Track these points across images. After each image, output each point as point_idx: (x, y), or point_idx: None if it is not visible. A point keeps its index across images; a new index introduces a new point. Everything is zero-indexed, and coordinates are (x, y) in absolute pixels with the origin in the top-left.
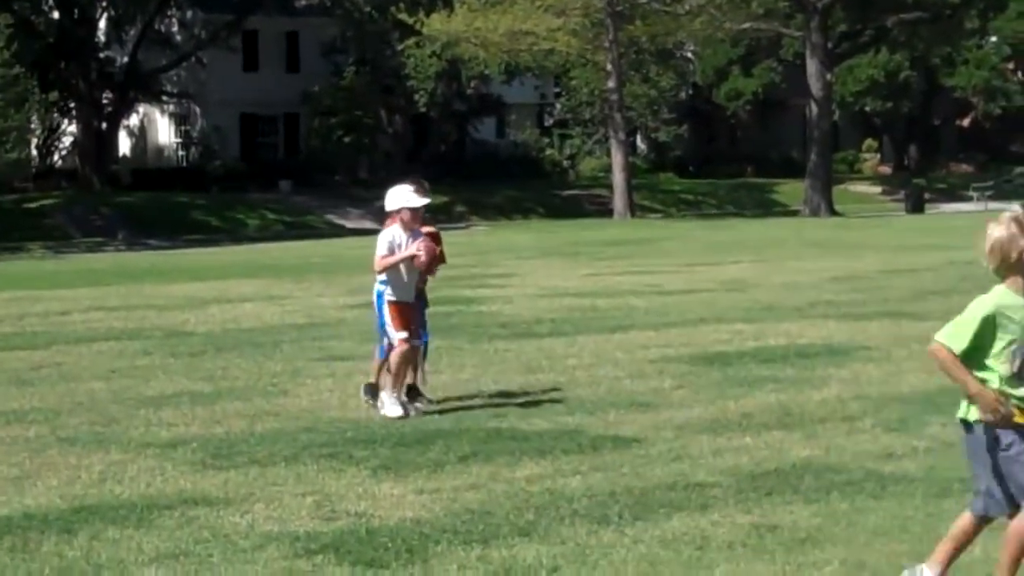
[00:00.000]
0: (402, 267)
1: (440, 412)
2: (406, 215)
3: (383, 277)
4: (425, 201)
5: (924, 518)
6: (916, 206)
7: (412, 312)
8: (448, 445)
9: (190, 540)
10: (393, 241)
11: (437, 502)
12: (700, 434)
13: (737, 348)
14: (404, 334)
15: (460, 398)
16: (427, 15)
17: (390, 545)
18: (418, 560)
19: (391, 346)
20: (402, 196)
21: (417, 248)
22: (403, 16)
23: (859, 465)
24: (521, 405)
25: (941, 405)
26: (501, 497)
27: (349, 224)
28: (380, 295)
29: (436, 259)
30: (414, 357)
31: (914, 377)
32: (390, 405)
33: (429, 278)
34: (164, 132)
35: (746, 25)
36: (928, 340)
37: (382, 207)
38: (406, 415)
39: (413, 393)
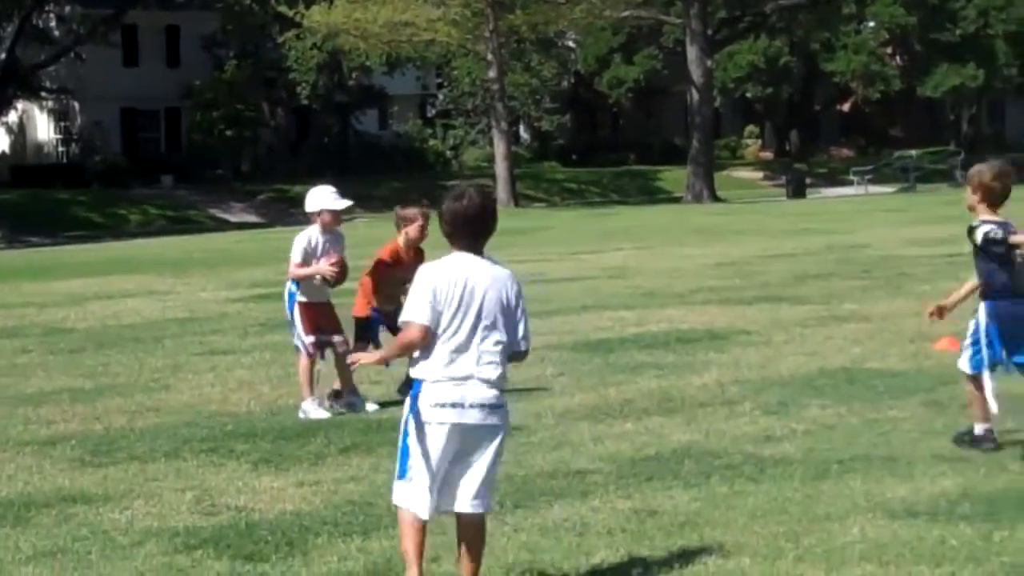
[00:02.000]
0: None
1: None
2: (327, 217)
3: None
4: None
5: (802, 499)
6: (797, 191)
7: (323, 313)
8: (329, 437)
9: (68, 538)
10: (309, 245)
11: (318, 494)
12: (581, 421)
13: (619, 335)
14: (312, 338)
15: None
16: (307, 7)
17: (270, 538)
18: (298, 553)
19: (298, 349)
20: (323, 197)
21: (329, 275)
22: (283, 8)
23: (738, 449)
24: (402, 396)
25: (820, 388)
26: (382, 488)
27: (232, 218)
28: (292, 296)
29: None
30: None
31: (793, 360)
32: (315, 411)
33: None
34: (43, 128)
35: (626, 13)
36: (806, 324)
37: (265, 200)
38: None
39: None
